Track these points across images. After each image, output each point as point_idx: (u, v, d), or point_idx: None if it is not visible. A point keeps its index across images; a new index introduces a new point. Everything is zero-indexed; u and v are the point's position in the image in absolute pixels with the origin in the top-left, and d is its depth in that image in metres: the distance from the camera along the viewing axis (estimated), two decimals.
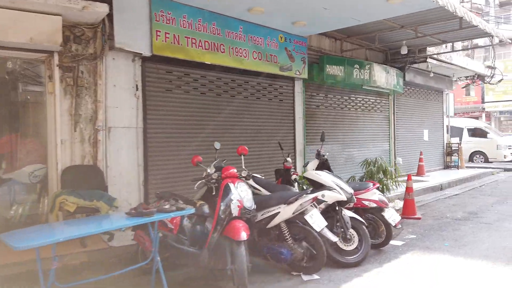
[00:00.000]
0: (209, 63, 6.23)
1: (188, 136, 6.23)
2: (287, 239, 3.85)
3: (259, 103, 7.54)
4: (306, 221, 3.77)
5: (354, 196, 4.54)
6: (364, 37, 9.36)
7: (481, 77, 14.74)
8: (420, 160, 12.17)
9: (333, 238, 3.83)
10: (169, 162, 5.88)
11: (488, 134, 17.31)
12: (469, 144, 17.27)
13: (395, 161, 11.52)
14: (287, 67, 7.62)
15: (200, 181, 3.80)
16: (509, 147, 17.12)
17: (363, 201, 4.67)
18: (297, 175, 5.18)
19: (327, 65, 8.42)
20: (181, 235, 3.72)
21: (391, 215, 4.70)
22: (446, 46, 11.74)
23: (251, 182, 4.66)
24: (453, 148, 14.27)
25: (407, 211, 6.86)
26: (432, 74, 12.14)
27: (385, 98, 11.22)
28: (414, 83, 12.18)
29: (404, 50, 8.79)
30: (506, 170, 15.11)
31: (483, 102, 29.69)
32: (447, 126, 15.14)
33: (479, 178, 12.50)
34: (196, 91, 6.46)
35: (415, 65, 11.43)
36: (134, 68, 5.54)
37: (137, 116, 5.55)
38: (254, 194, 4.66)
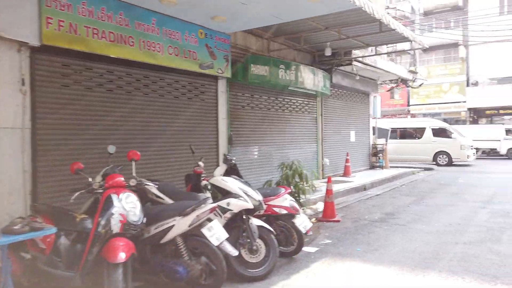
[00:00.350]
0: (115, 56, 5.61)
1: (90, 139, 5.56)
2: (183, 255, 3.44)
3: (177, 102, 7.04)
4: (203, 234, 3.39)
5: (263, 203, 4.26)
6: (291, 37, 9.25)
7: (404, 81, 15.54)
8: (347, 161, 12.44)
9: (233, 252, 3.49)
10: (65, 168, 5.17)
11: (452, 135, 17.35)
12: (433, 144, 17.54)
13: (322, 162, 11.66)
14: (207, 65, 7.20)
15: (78, 192, 3.25)
16: (472, 147, 17.59)
17: (274, 208, 4.40)
18: (207, 180, 4.79)
19: (252, 65, 8.15)
20: (54, 257, 3.15)
21: (302, 222, 4.49)
22: (371, 50, 12.12)
23: (154, 190, 4.19)
24: (378, 149, 14.84)
25: (327, 214, 6.79)
26: (358, 77, 12.47)
27: (313, 99, 11.27)
28: (341, 85, 12.41)
29: (328, 52, 8.81)
30: (426, 169, 16.08)
31: (408, 105, 31.65)
32: (374, 127, 15.75)
33: (401, 178, 13.08)
34: (101, 88, 5.80)
35: (342, 68, 11.63)
36: (19, 59, 4.77)
37: (24, 115, 4.79)
38: (157, 203, 4.22)
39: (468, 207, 7.64)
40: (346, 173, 12.38)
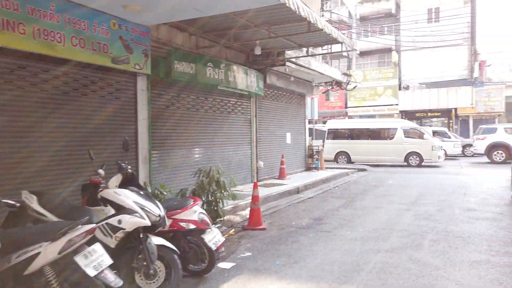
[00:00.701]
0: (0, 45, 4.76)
1: None
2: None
3: (85, 100, 6.24)
4: (77, 262, 2.78)
5: (166, 219, 3.71)
6: (220, 34, 8.76)
7: (339, 83, 15.72)
8: (282, 163, 12.24)
9: (115, 282, 2.90)
10: None
11: (424, 135, 17.19)
12: (405, 145, 17.37)
13: (256, 165, 11.33)
14: (122, 59, 6.48)
15: None
16: (441, 148, 17.68)
17: (180, 223, 3.88)
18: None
19: (176, 61, 7.54)
20: None
21: (213, 237, 4.02)
22: (307, 52, 12.02)
23: (34, 205, 3.47)
24: (314, 150, 14.86)
25: (252, 222, 6.41)
26: (292, 78, 12.31)
27: (247, 100, 10.89)
28: (276, 86, 12.18)
29: (257, 51, 8.46)
30: (359, 170, 16.44)
31: (346, 107, 32.68)
32: (311, 129, 15.81)
33: (335, 179, 13.16)
34: None
35: (276, 68, 11.39)
36: None
37: None
38: (38, 221, 3.51)
39: (394, 210, 7.67)
40: (281, 176, 12.17)
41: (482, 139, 18.85)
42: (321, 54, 13.22)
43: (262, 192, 9.45)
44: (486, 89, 27.61)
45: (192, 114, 8.77)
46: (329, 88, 15.78)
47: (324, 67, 13.72)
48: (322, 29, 7.12)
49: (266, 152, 11.99)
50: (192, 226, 3.90)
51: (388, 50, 31.92)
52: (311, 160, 14.83)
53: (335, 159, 18.82)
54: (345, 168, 16.21)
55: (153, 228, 3.60)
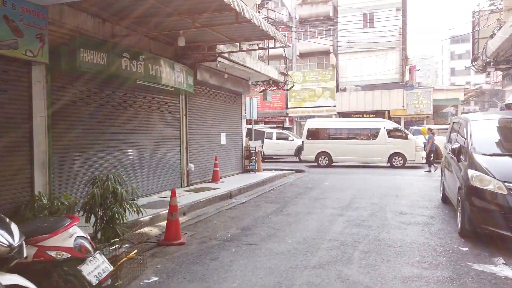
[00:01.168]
0: None
1: None
2: None
3: None
4: None
5: (31, 245, 2.80)
6: (141, 22, 7.77)
7: (276, 83, 15.30)
8: (215, 165, 11.49)
9: None
10: None
11: (408, 136, 16.85)
12: (388, 145, 16.83)
13: (187, 168, 10.46)
14: (8, 43, 5.32)
15: None
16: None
17: (48, 252, 2.96)
18: None
19: (82, 49, 6.46)
20: None
21: (95, 268, 3.15)
22: (240, 47, 11.36)
23: None
24: (251, 152, 14.28)
25: (169, 236, 5.57)
26: (226, 75, 11.62)
27: (175, 97, 9.98)
28: (209, 84, 11.40)
29: (181, 42, 7.61)
30: (297, 171, 16.17)
31: (287, 107, 32.71)
32: (250, 129, 15.21)
33: (271, 182, 12.67)
34: None
35: (207, 64, 10.60)
36: None
37: None
38: None
39: (326, 215, 7.24)
40: (214, 179, 11.42)
41: None
42: (255, 49, 12.62)
43: (190, 198, 8.65)
44: (416, 92, 29.06)
45: (107, 112, 7.70)
46: (266, 88, 15.29)
47: (260, 65, 13.18)
48: (250, 20, 6.47)
49: (198, 154, 11.16)
50: (66, 255, 3.00)
51: (326, 53, 32.47)
52: (248, 161, 14.24)
53: (316, 160, 18.14)
54: (282, 170, 15.86)
55: (6, 262, 2.66)
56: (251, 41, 10.55)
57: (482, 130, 6.30)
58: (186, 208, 7.85)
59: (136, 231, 5.67)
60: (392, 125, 18.05)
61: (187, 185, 10.51)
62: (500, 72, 16.23)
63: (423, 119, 29.42)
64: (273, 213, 7.61)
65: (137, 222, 5.84)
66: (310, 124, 18.83)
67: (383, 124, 17.64)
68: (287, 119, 33.24)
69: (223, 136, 12.71)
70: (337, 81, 31.69)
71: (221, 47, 10.24)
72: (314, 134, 18.39)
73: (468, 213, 5.21)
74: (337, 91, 31.31)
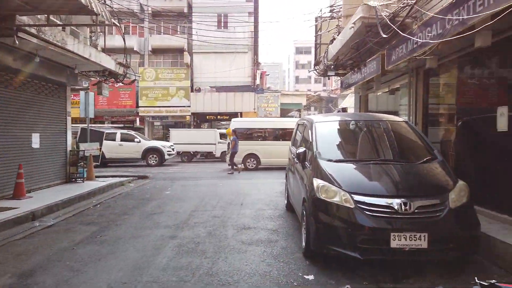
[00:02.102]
0: None
1: None
2: None
3: None
4: None
5: None
6: None
7: (114, 75, 13.03)
8: (19, 176, 8.72)
9: None
10: None
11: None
12: None
13: None
14: None
15: None
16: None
17: None
18: None
19: None
20: None
21: None
22: (47, 20, 8.80)
23: None
24: (80, 156, 11.72)
25: None
26: (38, 59, 8.97)
27: None
28: (10, 68, 8.60)
29: None
30: (139, 178, 14.21)
31: (137, 106, 29.94)
32: (84, 129, 12.54)
33: (102, 193, 10.47)
34: None
35: (7, 41, 7.88)
36: None
37: None
38: None
39: (154, 239, 5.71)
40: (18, 194, 8.64)
41: None
42: (69, 25, 10.14)
43: None
44: (265, 96, 30.11)
45: None
46: (101, 80, 12.87)
47: (90, 51, 10.80)
48: None
49: None
50: None
51: (181, 51, 31.02)
52: (74, 168, 11.62)
53: (243, 163, 16.95)
54: (122, 176, 13.68)
55: None
56: (65, 13, 8.27)
57: (328, 132, 5.73)
58: None
59: None
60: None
61: None
62: (336, 79, 17.50)
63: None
64: (83, 241, 5.69)
65: None
66: (236, 123, 17.55)
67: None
68: (138, 119, 30.44)
69: (35, 137, 9.90)
70: (191, 80, 30.54)
71: (23, 19, 7.67)
72: (241, 134, 17.08)
73: (314, 231, 4.39)
74: (192, 91, 30.18)
